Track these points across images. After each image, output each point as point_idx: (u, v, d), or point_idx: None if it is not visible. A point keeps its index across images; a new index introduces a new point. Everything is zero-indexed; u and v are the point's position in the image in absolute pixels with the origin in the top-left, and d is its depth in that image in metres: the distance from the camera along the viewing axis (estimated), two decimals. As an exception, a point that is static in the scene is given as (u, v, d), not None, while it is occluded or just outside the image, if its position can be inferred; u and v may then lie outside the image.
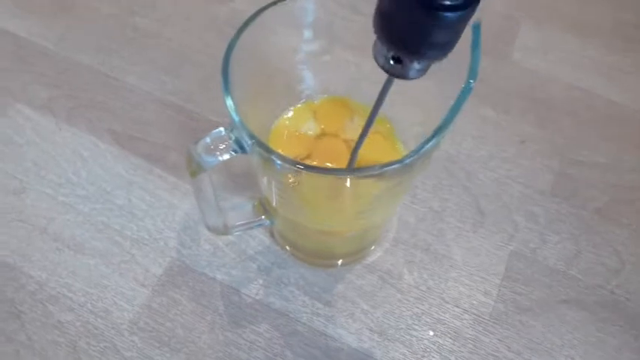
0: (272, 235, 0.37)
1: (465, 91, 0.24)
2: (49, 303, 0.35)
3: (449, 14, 0.16)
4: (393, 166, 0.22)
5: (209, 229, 0.31)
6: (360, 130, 0.26)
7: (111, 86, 0.42)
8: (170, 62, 0.43)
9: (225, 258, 0.36)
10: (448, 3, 0.16)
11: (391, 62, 0.19)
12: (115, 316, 0.35)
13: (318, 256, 0.36)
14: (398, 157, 0.22)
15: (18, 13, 0.45)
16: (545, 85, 0.42)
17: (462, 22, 0.17)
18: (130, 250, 0.37)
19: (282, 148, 0.33)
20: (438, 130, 0.24)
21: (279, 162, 0.22)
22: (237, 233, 0.36)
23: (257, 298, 0.35)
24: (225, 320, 0.35)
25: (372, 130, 0.25)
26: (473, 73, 0.24)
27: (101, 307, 0.35)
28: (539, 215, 0.38)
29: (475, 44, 0.24)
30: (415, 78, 0.20)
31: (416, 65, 0.19)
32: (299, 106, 0.33)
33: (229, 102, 0.25)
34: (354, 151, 0.26)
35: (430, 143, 0.23)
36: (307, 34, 0.29)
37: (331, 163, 0.31)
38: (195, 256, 0.36)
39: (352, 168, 0.25)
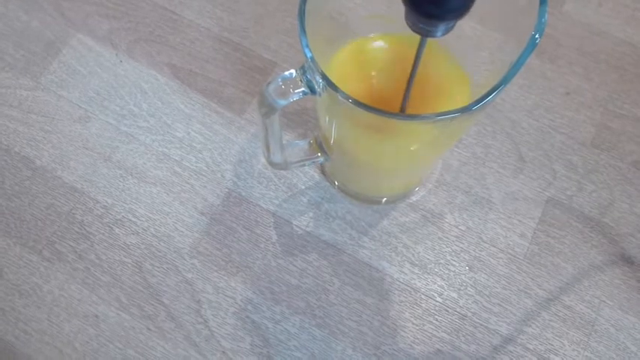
0: (322, 171, 0.39)
1: (530, 46, 0.25)
2: (115, 226, 0.38)
3: None
4: (454, 115, 0.24)
5: (271, 164, 0.33)
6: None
7: (169, 20, 0.43)
8: (225, -2, 0.44)
9: (277, 191, 0.39)
10: None
11: (420, 26, 0.22)
12: (176, 240, 0.38)
13: (366, 192, 0.38)
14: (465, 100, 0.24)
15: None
16: (594, 38, 0.42)
17: None
18: (189, 180, 0.39)
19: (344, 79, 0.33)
20: (501, 83, 0.25)
21: (348, 101, 0.24)
22: (293, 168, 0.38)
23: (307, 229, 0.38)
24: (277, 249, 0.38)
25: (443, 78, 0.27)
26: (539, 27, 0.25)
27: (163, 232, 0.38)
28: (577, 165, 0.40)
29: (543, 0, 0.25)
30: (443, 35, 0.23)
31: (442, 27, 0.22)
32: (358, 40, 0.33)
33: (305, 41, 0.26)
34: (406, 94, 0.28)
35: (493, 94, 0.25)
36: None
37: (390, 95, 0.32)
38: (250, 188, 0.39)
39: (416, 114, 0.27)
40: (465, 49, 0.31)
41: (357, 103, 0.25)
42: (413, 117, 0.25)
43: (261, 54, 0.42)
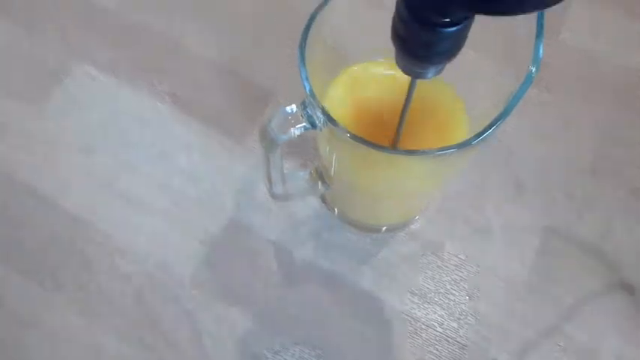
0: (322, 200, 0.40)
1: (527, 81, 0.25)
2: (116, 256, 0.38)
3: (447, 29, 0.18)
4: (453, 150, 0.24)
5: (273, 196, 0.33)
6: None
7: (170, 50, 0.43)
8: (225, 25, 0.44)
9: (278, 220, 0.39)
10: (445, 20, 0.18)
11: (411, 68, 0.22)
12: (176, 270, 0.38)
13: (366, 221, 0.38)
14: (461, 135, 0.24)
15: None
16: (591, 65, 0.43)
17: (463, 31, 0.19)
18: (189, 209, 0.39)
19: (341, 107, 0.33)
20: (499, 117, 0.26)
21: (347, 136, 0.24)
22: (294, 199, 0.39)
23: (307, 259, 0.38)
24: (278, 278, 0.38)
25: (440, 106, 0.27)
26: (535, 62, 0.25)
27: (164, 262, 0.38)
28: (576, 193, 0.40)
29: (539, 33, 0.26)
30: (434, 76, 0.23)
31: (432, 69, 0.22)
32: (356, 66, 0.34)
33: (304, 73, 0.26)
34: (398, 130, 0.28)
35: (489, 132, 0.25)
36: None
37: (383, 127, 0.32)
38: (250, 217, 0.39)
39: (416, 150, 0.27)
40: (461, 79, 0.32)
41: (356, 138, 0.25)
42: (412, 153, 0.25)
43: (260, 83, 0.42)
